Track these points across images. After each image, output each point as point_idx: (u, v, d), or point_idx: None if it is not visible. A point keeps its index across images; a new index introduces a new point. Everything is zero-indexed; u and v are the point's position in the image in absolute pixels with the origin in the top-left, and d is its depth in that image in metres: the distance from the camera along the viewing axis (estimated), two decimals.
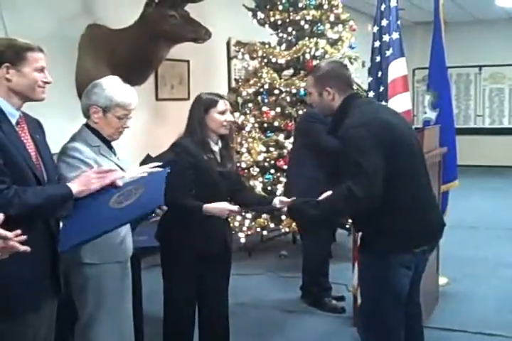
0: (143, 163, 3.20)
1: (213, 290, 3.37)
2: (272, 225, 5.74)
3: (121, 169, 2.88)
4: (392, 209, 2.72)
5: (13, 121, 2.36)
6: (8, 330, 2.28)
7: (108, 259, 2.80)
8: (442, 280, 4.87)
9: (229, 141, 3.35)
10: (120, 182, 2.53)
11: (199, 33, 5.10)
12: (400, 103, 3.55)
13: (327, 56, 5.73)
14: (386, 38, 3.61)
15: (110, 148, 2.91)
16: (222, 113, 3.19)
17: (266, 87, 5.84)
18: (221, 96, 3.26)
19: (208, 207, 3.07)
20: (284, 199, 3.12)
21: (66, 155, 2.73)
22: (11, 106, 2.36)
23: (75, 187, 2.37)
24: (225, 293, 3.46)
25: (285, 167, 5.33)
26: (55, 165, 2.65)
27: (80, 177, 2.43)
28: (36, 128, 2.52)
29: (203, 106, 3.21)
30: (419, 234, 2.81)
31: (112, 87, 2.80)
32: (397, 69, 3.56)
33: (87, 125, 2.86)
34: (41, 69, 2.39)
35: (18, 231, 1.97)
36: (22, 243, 1.97)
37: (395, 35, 3.59)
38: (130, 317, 3.02)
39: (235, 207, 3.08)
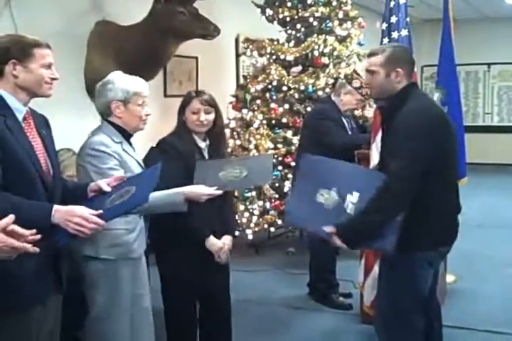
0: (147, 155, 3.22)
1: (212, 287, 3.36)
2: (279, 222, 5.74)
3: (140, 165, 2.94)
4: (427, 206, 2.74)
5: (20, 117, 2.37)
6: (12, 323, 2.29)
7: (122, 255, 2.81)
8: (450, 278, 4.87)
9: (216, 139, 3.32)
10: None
11: (208, 30, 5.11)
12: None
13: (335, 53, 5.73)
14: (395, 35, 3.60)
15: (130, 144, 2.96)
16: (196, 112, 3.20)
17: (274, 83, 5.84)
18: (199, 95, 3.24)
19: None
20: None
21: (92, 150, 2.76)
22: (18, 101, 2.36)
23: (56, 218, 2.21)
24: (225, 290, 3.45)
25: (293, 163, 5.33)
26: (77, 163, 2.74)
27: (64, 214, 2.23)
28: (43, 123, 2.52)
29: (181, 104, 3.27)
30: (448, 232, 2.89)
31: (123, 79, 2.88)
32: None
33: (107, 121, 2.90)
34: (48, 66, 2.38)
35: (34, 231, 1.99)
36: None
37: (404, 32, 3.58)
38: (148, 314, 3.00)
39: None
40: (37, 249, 2.01)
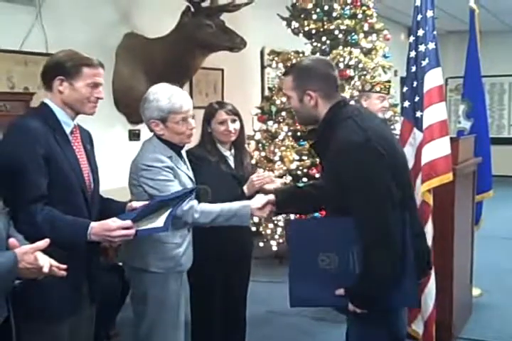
0: None
1: (233, 298, 3.41)
2: None
3: (191, 179, 2.92)
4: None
5: (68, 131, 2.43)
6: (46, 333, 2.34)
7: (171, 269, 2.82)
8: (475, 292, 4.83)
9: (239, 147, 3.36)
10: None
11: (234, 42, 5.17)
12: (435, 113, 3.53)
13: (360, 65, 5.75)
14: (422, 47, 3.60)
15: (181, 157, 2.91)
16: (222, 123, 3.23)
17: None
18: (222, 106, 3.27)
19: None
20: None
21: (146, 166, 2.72)
22: (66, 115, 2.42)
23: (94, 237, 2.29)
24: (241, 299, 3.49)
25: (317, 175, 5.34)
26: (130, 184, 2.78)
27: (98, 231, 2.29)
28: (87, 138, 2.58)
29: (205, 116, 3.28)
30: (421, 264, 2.44)
31: (158, 96, 2.74)
32: (433, 79, 3.55)
33: (156, 135, 2.85)
34: (95, 85, 2.42)
35: (64, 266, 2.05)
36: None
37: (431, 45, 3.58)
38: (183, 329, 2.98)
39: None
40: (64, 273, 2.06)
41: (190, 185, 2.85)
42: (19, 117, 2.54)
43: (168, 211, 2.42)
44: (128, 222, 2.29)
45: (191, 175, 2.94)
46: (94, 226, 2.28)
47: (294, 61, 5.93)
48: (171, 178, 2.73)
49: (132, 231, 2.29)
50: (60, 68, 2.38)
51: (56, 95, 2.41)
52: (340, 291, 2.32)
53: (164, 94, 2.75)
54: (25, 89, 4.51)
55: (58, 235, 2.22)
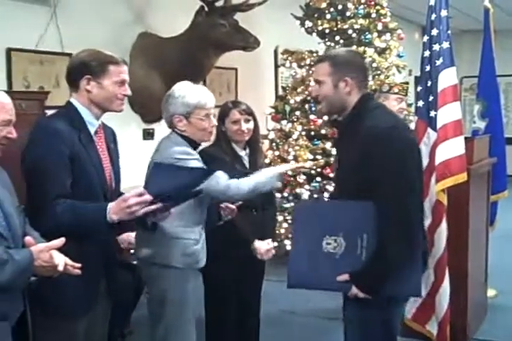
0: None
1: (249, 297, 3.43)
2: None
3: None
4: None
5: (92, 131, 2.45)
6: (61, 330, 2.36)
7: (190, 265, 2.85)
8: (491, 292, 4.80)
9: (254, 146, 3.36)
10: None
11: (248, 42, 5.18)
12: (449, 112, 3.52)
13: (374, 65, 5.73)
14: (436, 47, 3.59)
15: None
16: (235, 122, 3.23)
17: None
18: (237, 105, 3.28)
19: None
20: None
21: (180, 159, 2.71)
22: (92, 115, 2.44)
23: (114, 217, 2.26)
24: (255, 298, 3.51)
25: (331, 175, 5.33)
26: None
27: (116, 208, 2.26)
28: (111, 137, 2.60)
29: (220, 115, 3.28)
30: (424, 259, 2.53)
31: (184, 92, 2.81)
32: (447, 78, 3.53)
33: (176, 133, 2.88)
34: (121, 82, 2.44)
35: (78, 265, 2.07)
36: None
37: (446, 45, 3.56)
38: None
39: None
40: (79, 272, 2.08)
41: None
42: (46, 117, 2.60)
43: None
44: (140, 189, 2.25)
45: None
46: (112, 205, 2.27)
47: (307, 60, 5.94)
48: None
49: (147, 197, 2.23)
50: (85, 67, 2.41)
51: (83, 94, 2.43)
52: (344, 277, 2.34)
53: (191, 91, 2.82)
54: (40, 88, 4.54)
55: (79, 221, 2.26)
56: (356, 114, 2.47)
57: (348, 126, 2.52)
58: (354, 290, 2.35)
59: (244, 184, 2.80)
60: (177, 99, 2.80)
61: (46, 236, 2.12)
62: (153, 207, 2.25)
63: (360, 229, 2.34)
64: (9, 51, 4.40)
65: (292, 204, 5.69)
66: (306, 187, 5.65)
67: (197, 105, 2.79)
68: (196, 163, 2.75)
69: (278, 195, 5.69)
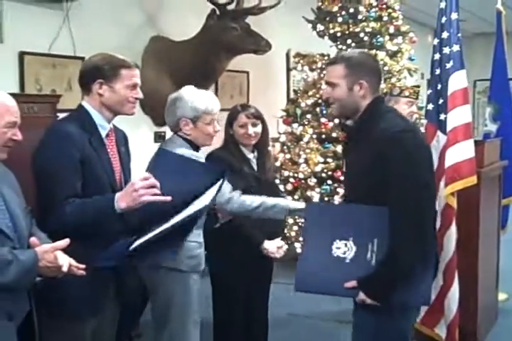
0: None
1: (256, 298, 3.44)
2: None
3: None
4: None
5: (103, 134, 2.47)
6: (68, 331, 2.38)
7: (194, 268, 2.88)
8: (501, 296, 4.78)
9: (262, 150, 3.38)
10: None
11: (259, 45, 5.19)
12: (459, 116, 3.51)
13: (386, 68, 5.72)
14: (446, 50, 3.58)
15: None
16: (242, 126, 3.26)
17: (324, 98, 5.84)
18: (245, 109, 3.30)
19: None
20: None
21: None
22: (103, 118, 2.47)
23: (123, 204, 2.28)
24: (263, 301, 3.52)
25: (342, 178, 5.33)
26: None
27: (124, 194, 2.30)
28: (122, 140, 2.62)
29: (228, 118, 3.32)
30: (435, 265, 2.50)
31: (193, 97, 2.88)
32: (457, 81, 3.52)
33: (178, 135, 2.94)
34: (133, 86, 2.47)
35: (83, 266, 2.09)
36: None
37: (456, 48, 3.56)
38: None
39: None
40: (83, 273, 2.10)
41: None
42: (58, 121, 2.62)
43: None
44: (146, 174, 2.29)
45: None
46: (120, 193, 2.31)
47: (319, 64, 5.94)
48: None
49: (153, 181, 2.26)
50: (98, 71, 2.43)
51: (95, 98, 2.46)
52: (352, 283, 2.30)
53: (200, 96, 2.90)
54: (52, 92, 4.57)
55: (88, 214, 2.28)
56: (368, 117, 2.44)
57: (359, 130, 2.49)
58: (362, 296, 2.31)
59: (247, 205, 2.92)
60: (186, 103, 2.86)
61: (58, 237, 2.12)
62: (161, 197, 2.26)
63: (371, 233, 2.30)
64: (22, 55, 4.44)
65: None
66: (317, 190, 5.65)
67: (205, 110, 2.86)
68: None
69: (289, 197, 5.71)
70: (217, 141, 3.41)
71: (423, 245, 2.26)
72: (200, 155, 2.92)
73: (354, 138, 2.55)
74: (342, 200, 5.18)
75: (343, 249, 2.33)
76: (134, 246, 2.28)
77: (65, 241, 2.03)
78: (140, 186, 2.24)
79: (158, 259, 2.54)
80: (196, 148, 2.94)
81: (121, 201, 2.27)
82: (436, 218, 2.40)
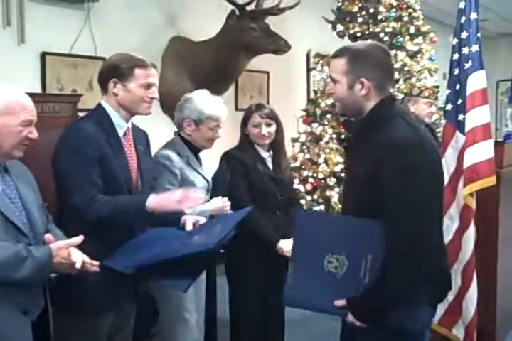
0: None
1: (268, 294, 3.43)
2: None
3: (205, 179, 3.07)
4: None
5: (121, 133, 2.50)
6: (83, 325, 2.41)
7: None
8: None
9: (277, 149, 3.40)
10: (187, 211, 2.58)
11: (278, 45, 5.19)
12: (478, 116, 3.49)
13: (406, 68, 5.70)
14: (465, 50, 3.56)
15: (197, 158, 3.10)
16: (256, 126, 3.28)
17: None
18: (259, 109, 3.32)
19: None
20: None
21: (156, 162, 2.89)
22: (121, 117, 2.50)
23: (152, 203, 2.37)
24: (280, 299, 3.51)
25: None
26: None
27: (163, 198, 2.40)
28: (142, 139, 2.65)
29: (243, 118, 3.36)
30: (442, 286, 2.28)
31: (203, 100, 2.98)
32: (476, 81, 3.50)
33: (179, 135, 3.06)
34: (148, 86, 2.48)
35: (97, 263, 2.15)
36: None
37: (475, 48, 3.53)
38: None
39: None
40: (97, 269, 2.13)
41: (201, 184, 3.01)
42: (76, 120, 2.65)
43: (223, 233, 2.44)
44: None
45: (207, 176, 3.10)
46: (154, 195, 2.41)
47: None
48: (170, 182, 2.90)
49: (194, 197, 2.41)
50: (114, 71, 2.46)
51: (111, 97, 2.49)
52: (342, 302, 2.10)
53: (209, 100, 3.00)
54: (73, 92, 4.63)
55: (118, 209, 2.36)
56: (368, 122, 2.18)
57: (358, 136, 2.26)
58: (350, 317, 2.11)
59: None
60: (194, 105, 2.97)
61: (89, 233, 2.17)
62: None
63: (366, 249, 2.09)
64: (44, 55, 4.50)
65: (322, 207, 5.69)
66: (336, 189, 5.64)
67: (210, 116, 2.96)
68: (168, 174, 2.89)
69: (308, 197, 5.71)
70: (233, 142, 3.44)
71: (418, 267, 2.02)
72: (176, 160, 2.97)
73: (355, 144, 2.32)
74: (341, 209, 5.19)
75: (335, 263, 2.13)
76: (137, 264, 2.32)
77: (80, 238, 2.06)
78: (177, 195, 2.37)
79: (167, 284, 2.54)
80: (196, 149, 3.05)
81: (153, 202, 2.36)
82: (442, 236, 2.19)
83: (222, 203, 2.96)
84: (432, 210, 2.07)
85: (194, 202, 2.43)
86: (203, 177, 3.06)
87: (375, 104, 2.17)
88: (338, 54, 2.21)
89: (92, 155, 2.36)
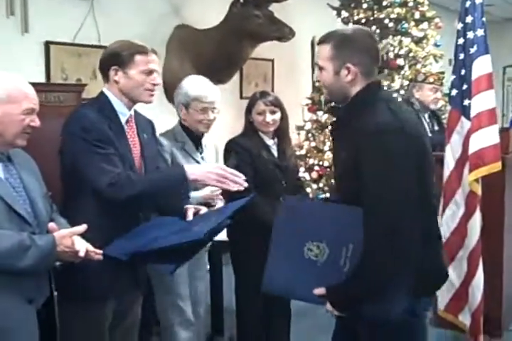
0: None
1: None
2: None
3: None
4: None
5: (123, 120, 2.50)
6: (85, 313, 2.41)
7: None
8: None
9: (282, 137, 3.39)
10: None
11: (283, 33, 5.17)
12: (483, 101, 3.46)
13: (411, 54, 5.67)
14: (470, 35, 3.53)
15: (197, 146, 3.10)
16: (260, 113, 3.28)
17: None
18: (263, 96, 3.31)
19: None
20: None
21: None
22: (123, 105, 2.49)
23: (193, 175, 2.38)
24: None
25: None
26: None
27: (202, 170, 2.43)
28: (146, 127, 2.65)
29: (247, 106, 3.36)
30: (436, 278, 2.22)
31: (188, 84, 3.05)
32: (481, 66, 3.47)
33: (180, 122, 3.11)
34: (150, 72, 2.46)
35: (100, 251, 2.15)
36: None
37: (480, 32, 3.50)
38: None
39: None
40: (101, 257, 2.14)
41: None
42: (78, 107, 2.64)
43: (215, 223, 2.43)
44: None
45: (203, 162, 3.11)
46: (190, 166, 2.49)
47: None
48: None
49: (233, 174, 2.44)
50: (114, 58, 2.45)
51: (113, 85, 2.48)
52: (321, 290, 2.07)
53: (194, 83, 3.05)
54: (77, 81, 4.63)
55: (154, 183, 2.39)
56: (354, 106, 2.14)
57: (341, 122, 2.23)
58: (329, 306, 2.09)
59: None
60: (182, 89, 3.04)
61: (93, 222, 2.17)
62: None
63: (347, 237, 2.04)
64: (48, 44, 4.50)
65: (328, 195, 5.69)
66: None
67: (196, 97, 2.99)
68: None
69: (314, 185, 5.71)
70: (238, 129, 3.43)
71: (397, 255, 1.94)
72: (165, 145, 3.00)
73: (338, 130, 2.26)
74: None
75: (315, 251, 2.09)
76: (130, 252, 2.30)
77: (83, 227, 2.07)
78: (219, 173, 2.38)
79: (154, 268, 2.65)
80: (193, 134, 3.08)
81: (191, 173, 2.38)
82: (433, 223, 2.15)
83: (212, 192, 3.00)
84: (414, 196, 1.98)
85: (233, 185, 2.42)
86: (199, 163, 3.05)
87: (360, 88, 2.14)
88: (323, 40, 2.18)
89: (98, 137, 2.35)
